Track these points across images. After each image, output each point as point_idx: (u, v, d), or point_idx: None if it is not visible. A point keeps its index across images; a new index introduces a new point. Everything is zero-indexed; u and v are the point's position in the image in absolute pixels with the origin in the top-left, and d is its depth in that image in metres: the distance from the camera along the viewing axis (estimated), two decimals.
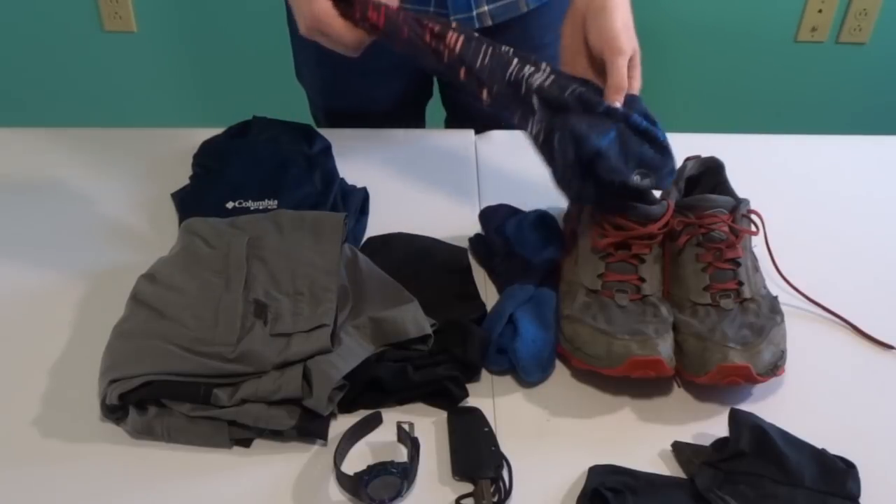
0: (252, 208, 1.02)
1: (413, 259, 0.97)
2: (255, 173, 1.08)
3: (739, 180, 0.99)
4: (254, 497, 0.73)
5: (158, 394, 0.76)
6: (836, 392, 0.86)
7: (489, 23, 1.16)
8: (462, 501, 0.73)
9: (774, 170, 1.20)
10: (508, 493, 0.73)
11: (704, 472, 0.73)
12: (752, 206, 0.92)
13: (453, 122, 1.38)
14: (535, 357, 0.83)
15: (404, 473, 0.72)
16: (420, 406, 0.82)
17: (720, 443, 0.77)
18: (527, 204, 1.06)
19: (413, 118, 1.34)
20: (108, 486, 0.74)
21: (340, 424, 0.78)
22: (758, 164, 1.19)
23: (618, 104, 0.91)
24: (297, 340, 0.80)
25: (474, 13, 1.15)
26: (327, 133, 1.19)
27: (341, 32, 0.92)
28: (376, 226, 1.05)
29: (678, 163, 0.91)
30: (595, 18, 0.94)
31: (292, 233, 0.92)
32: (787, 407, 0.83)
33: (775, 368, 0.82)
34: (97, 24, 2.19)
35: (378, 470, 0.71)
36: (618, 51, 0.94)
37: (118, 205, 1.08)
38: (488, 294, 0.95)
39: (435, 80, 1.33)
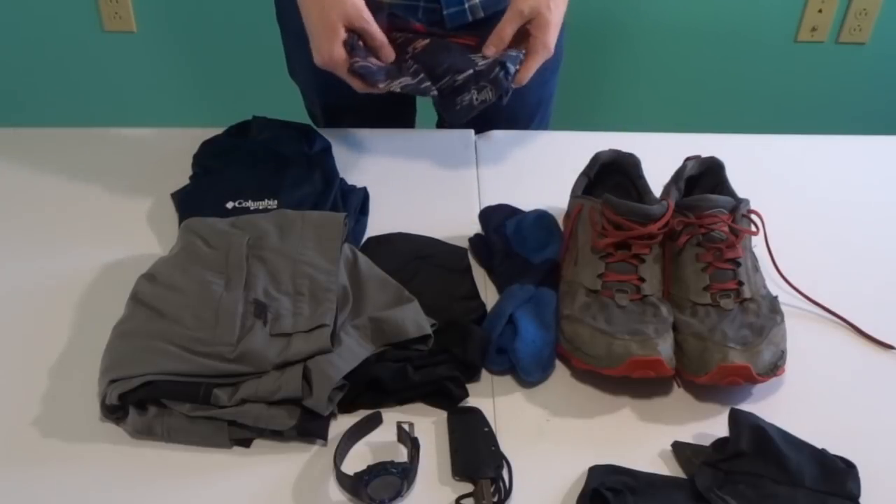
0: (252, 208, 1.02)
1: (413, 259, 0.97)
2: (255, 173, 1.08)
3: (739, 180, 0.99)
4: (254, 497, 0.73)
5: (158, 394, 0.76)
6: (836, 392, 0.86)
7: (481, 15, 1.17)
8: (462, 501, 0.73)
9: (774, 170, 1.20)
10: (508, 493, 0.73)
11: (704, 472, 0.73)
12: (752, 206, 0.92)
13: (442, 118, 1.39)
14: (535, 357, 0.83)
15: (404, 473, 0.72)
16: (420, 406, 0.82)
17: (720, 443, 0.77)
18: (527, 204, 1.07)
19: (406, 106, 1.35)
20: (108, 486, 0.74)
21: (340, 424, 0.78)
22: (758, 164, 1.19)
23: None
24: (297, 340, 0.80)
25: (466, 6, 1.16)
26: (327, 133, 1.19)
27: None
28: (376, 226, 1.05)
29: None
30: None
31: (292, 233, 0.92)
32: (787, 407, 0.83)
33: (775, 368, 0.82)
34: (97, 24, 2.19)
35: (378, 470, 0.72)
36: (513, 9, 1.04)
37: (118, 205, 1.08)
38: (488, 294, 0.95)
39: None
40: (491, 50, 1.06)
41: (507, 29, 1.05)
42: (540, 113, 1.36)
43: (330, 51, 1.01)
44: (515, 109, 1.31)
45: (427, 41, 1.08)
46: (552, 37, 1.05)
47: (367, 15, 1.03)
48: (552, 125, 1.45)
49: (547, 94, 1.35)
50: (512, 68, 1.03)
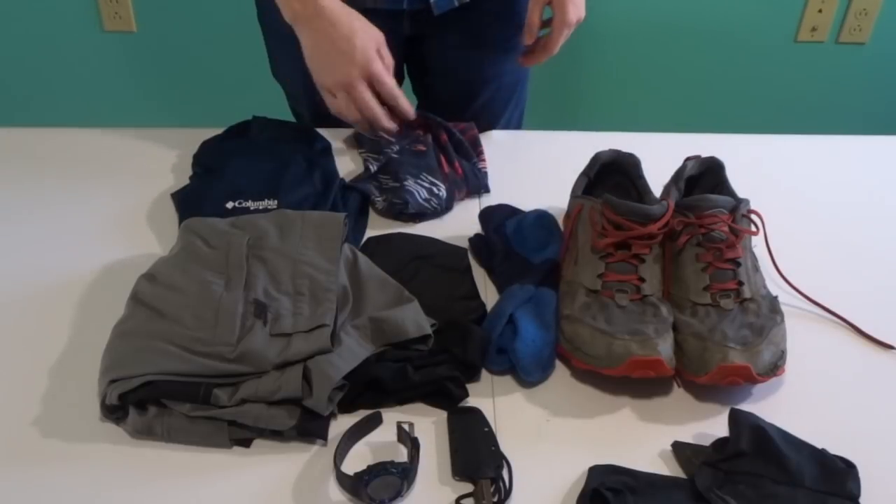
0: (252, 208, 1.02)
1: (413, 259, 0.97)
2: (255, 173, 1.08)
3: (739, 180, 0.99)
4: (254, 497, 0.73)
5: (158, 394, 0.76)
6: (836, 392, 0.86)
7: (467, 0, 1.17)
8: (462, 501, 0.73)
9: (774, 170, 1.20)
10: (508, 493, 0.73)
11: (704, 472, 0.73)
12: (752, 206, 0.92)
13: (424, 107, 1.39)
14: (535, 357, 0.83)
15: (404, 473, 0.72)
16: (420, 406, 0.82)
17: (720, 443, 0.77)
18: (527, 204, 1.07)
19: None
20: (108, 486, 0.74)
21: (340, 424, 0.78)
22: (758, 164, 1.19)
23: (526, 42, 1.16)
24: (297, 340, 0.80)
25: None
26: (327, 133, 1.19)
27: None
28: (376, 226, 1.05)
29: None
30: None
31: (292, 233, 0.92)
32: (787, 407, 0.83)
33: (775, 368, 0.82)
34: (97, 24, 2.19)
35: (378, 470, 0.71)
36: None
37: (118, 205, 1.08)
38: (488, 294, 0.95)
39: (405, 66, 1.34)
40: (527, 38, 1.15)
41: (534, 17, 1.14)
42: (517, 95, 1.36)
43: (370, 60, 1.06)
44: (494, 91, 1.31)
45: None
46: (572, 13, 1.13)
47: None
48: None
49: (523, 76, 1.37)
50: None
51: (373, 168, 1.11)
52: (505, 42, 1.26)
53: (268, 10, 1.16)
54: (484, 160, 1.16)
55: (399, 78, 1.36)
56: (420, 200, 1.05)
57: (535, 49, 1.18)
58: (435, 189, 1.06)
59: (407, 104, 1.12)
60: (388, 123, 1.10)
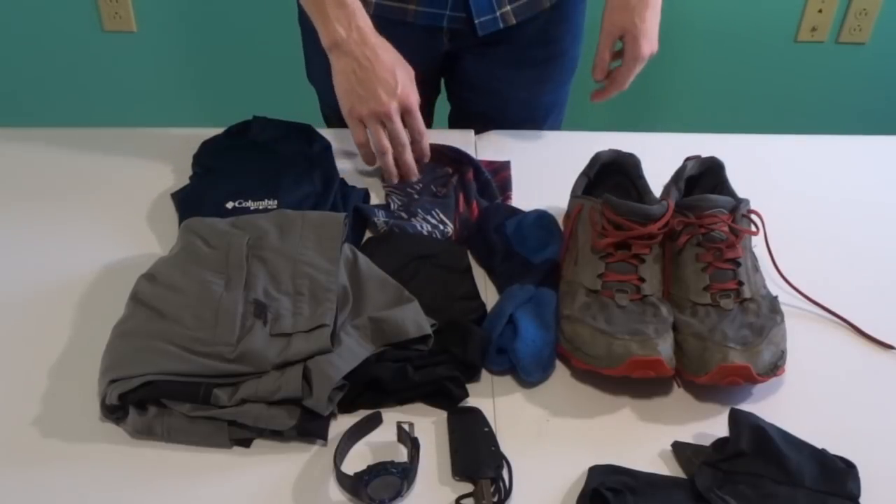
0: (252, 208, 1.02)
1: (413, 259, 0.97)
2: (255, 173, 1.08)
3: (739, 180, 0.99)
4: (254, 497, 0.73)
5: (158, 394, 0.76)
6: (836, 392, 0.86)
7: (513, 21, 1.18)
8: (462, 501, 0.73)
9: (774, 170, 1.20)
10: (508, 493, 0.73)
11: (704, 472, 0.73)
12: (752, 206, 0.92)
13: (456, 118, 1.39)
14: (535, 357, 0.83)
15: (404, 473, 0.72)
16: (420, 406, 0.82)
17: (720, 443, 0.77)
18: (527, 204, 1.07)
19: (423, 114, 1.36)
20: (108, 486, 0.74)
21: (340, 424, 0.78)
22: (758, 164, 1.19)
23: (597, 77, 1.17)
24: (297, 340, 0.80)
25: (497, 14, 1.17)
26: (328, 133, 1.19)
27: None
28: None
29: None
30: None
31: (292, 233, 0.92)
32: (787, 407, 0.83)
33: (775, 368, 0.82)
34: (97, 24, 2.19)
35: (378, 470, 0.72)
36: (604, 31, 1.13)
37: (118, 205, 1.08)
38: (488, 294, 0.95)
39: (442, 79, 1.34)
40: (598, 74, 1.16)
41: (604, 52, 1.14)
42: (552, 116, 1.36)
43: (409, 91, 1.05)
44: (530, 111, 1.31)
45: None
46: (645, 47, 1.13)
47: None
48: None
49: (561, 98, 1.37)
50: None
51: (394, 205, 1.08)
52: (544, 65, 1.25)
53: None
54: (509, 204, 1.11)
55: (436, 90, 1.36)
56: (420, 231, 1.02)
57: (605, 84, 1.17)
58: (441, 227, 1.04)
59: (428, 146, 1.10)
60: (411, 161, 1.09)
